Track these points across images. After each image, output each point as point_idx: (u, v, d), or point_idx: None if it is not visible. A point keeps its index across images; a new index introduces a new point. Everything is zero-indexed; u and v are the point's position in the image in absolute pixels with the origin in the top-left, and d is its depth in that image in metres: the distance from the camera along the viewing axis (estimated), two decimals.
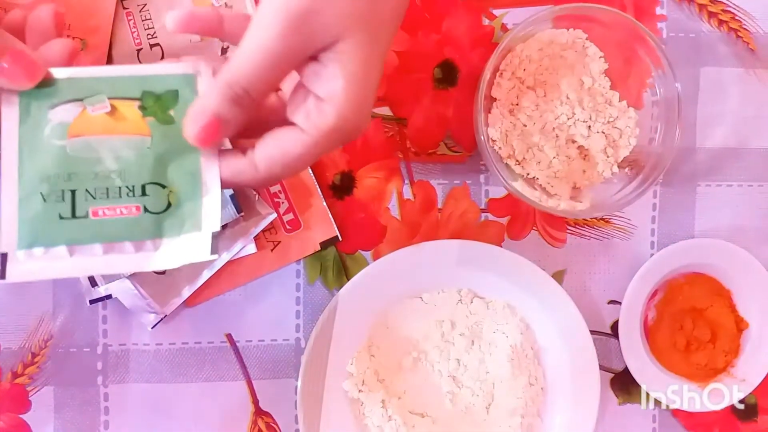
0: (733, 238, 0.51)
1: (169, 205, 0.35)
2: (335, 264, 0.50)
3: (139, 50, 0.47)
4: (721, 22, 0.52)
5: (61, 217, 0.34)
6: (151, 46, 0.47)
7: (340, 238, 0.49)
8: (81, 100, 0.34)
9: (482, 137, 0.46)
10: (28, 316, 0.47)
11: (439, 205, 0.50)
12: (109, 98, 0.35)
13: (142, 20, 0.47)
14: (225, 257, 0.47)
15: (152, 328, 0.48)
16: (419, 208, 0.50)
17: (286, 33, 0.32)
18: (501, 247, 0.50)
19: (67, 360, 0.48)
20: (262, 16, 0.33)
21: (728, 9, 0.51)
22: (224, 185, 0.35)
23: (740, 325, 0.52)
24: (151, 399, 0.49)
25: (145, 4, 0.46)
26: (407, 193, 0.50)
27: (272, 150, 0.34)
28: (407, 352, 0.49)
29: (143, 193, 0.35)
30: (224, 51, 0.47)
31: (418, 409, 0.49)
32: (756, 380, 0.51)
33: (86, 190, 0.34)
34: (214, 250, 0.35)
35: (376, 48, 0.35)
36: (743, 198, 0.52)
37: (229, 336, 0.49)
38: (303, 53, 0.33)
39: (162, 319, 0.48)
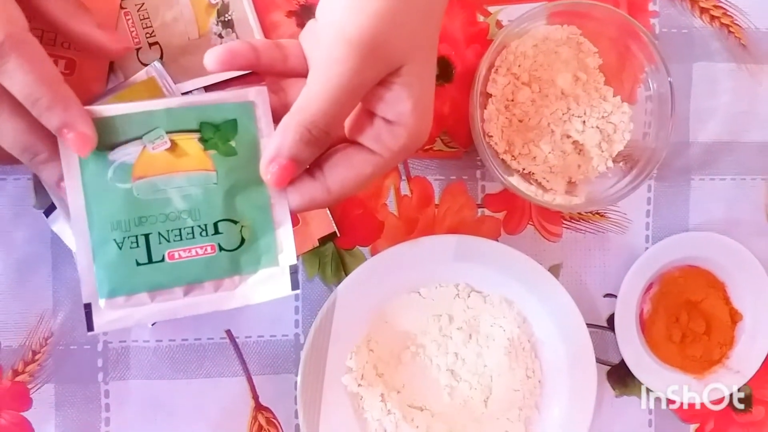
0: (726, 231, 0.52)
1: (243, 240, 0.35)
2: (333, 260, 0.50)
3: (138, 49, 0.47)
4: (713, 17, 0.52)
5: (138, 264, 0.34)
6: (150, 44, 0.47)
7: (338, 234, 0.50)
8: (140, 138, 0.34)
9: (478, 133, 0.46)
10: (28, 314, 0.48)
11: (436, 201, 0.51)
12: (167, 132, 0.34)
13: (141, 19, 0.47)
14: None
15: (152, 324, 0.48)
16: (416, 204, 0.51)
17: (362, 66, 0.32)
18: (497, 241, 0.50)
19: (67, 357, 0.48)
20: (329, 50, 0.33)
21: (720, 5, 0.52)
22: (297, 211, 0.36)
23: (734, 317, 0.52)
24: (152, 395, 0.49)
25: (143, 3, 0.47)
26: (404, 189, 0.50)
27: (345, 173, 0.35)
28: (405, 347, 0.50)
29: (216, 231, 0.35)
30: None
31: (416, 402, 0.49)
32: (750, 371, 0.52)
33: (159, 234, 0.34)
34: (295, 285, 0.35)
35: (432, 63, 0.36)
36: (736, 191, 0.53)
37: (228, 332, 0.50)
38: (374, 82, 0.34)
39: None
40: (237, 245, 0.35)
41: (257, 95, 0.35)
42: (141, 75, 0.46)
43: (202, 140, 0.35)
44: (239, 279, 0.35)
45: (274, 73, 0.37)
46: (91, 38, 0.40)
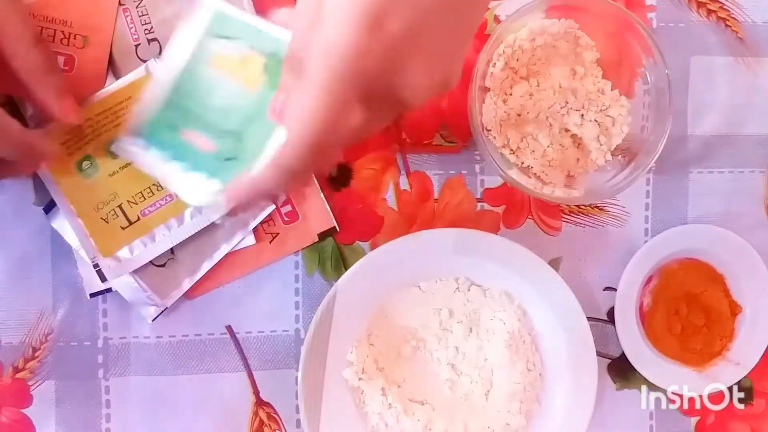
0: (725, 223, 0.52)
1: (232, 159, 0.41)
2: (333, 255, 0.50)
3: (137, 45, 0.47)
4: (709, 11, 0.52)
5: (165, 123, 0.42)
6: (149, 41, 0.47)
7: (337, 229, 0.50)
8: (227, 38, 0.41)
9: (477, 127, 0.46)
10: (28, 310, 0.48)
11: (435, 196, 0.51)
12: (246, 45, 0.41)
13: (139, 15, 0.47)
14: (224, 249, 0.48)
15: (153, 320, 0.48)
16: (415, 198, 0.51)
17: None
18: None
19: (67, 354, 0.48)
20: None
21: None
22: (274, 168, 0.34)
23: (734, 309, 0.52)
24: (152, 391, 0.49)
25: (142, 0, 0.47)
26: (404, 183, 0.51)
27: (293, 113, 0.32)
28: (406, 341, 0.50)
29: (226, 139, 0.41)
30: None
31: (417, 396, 0.49)
32: (751, 363, 0.52)
33: (193, 114, 0.42)
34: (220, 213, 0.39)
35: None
36: (735, 184, 0.53)
37: (229, 328, 0.50)
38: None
39: (162, 311, 0.48)
40: (227, 158, 0.41)
41: None
42: (140, 71, 0.46)
43: (266, 66, 0.40)
44: (208, 182, 0.41)
45: None
46: (46, 108, 0.41)
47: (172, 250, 0.47)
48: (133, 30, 0.47)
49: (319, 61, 0.29)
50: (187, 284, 0.48)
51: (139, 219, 0.45)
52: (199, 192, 0.41)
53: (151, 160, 0.42)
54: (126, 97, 0.46)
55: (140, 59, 0.47)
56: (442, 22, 0.30)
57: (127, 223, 0.45)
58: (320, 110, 0.30)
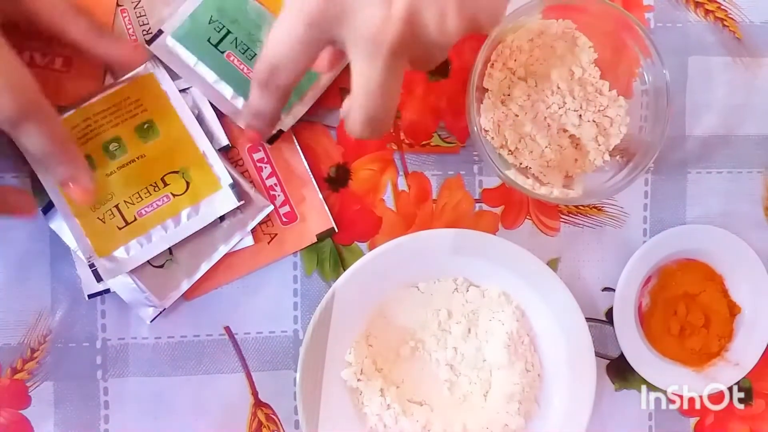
0: (724, 223, 0.52)
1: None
2: (332, 255, 0.50)
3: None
4: (707, 11, 0.52)
5: (209, 41, 0.46)
6: (147, 41, 0.47)
7: (336, 230, 0.50)
8: None
9: (475, 128, 0.46)
10: (26, 311, 0.48)
11: (434, 196, 0.51)
12: None
13: (137, 16, 0.47)
14: (223, 250, 0.48)
15: (151, 321, 0.48)
16: (414, 199, 0.51)
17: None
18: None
19: (66, 355, 0.48)
20: None
21: None
22: (252, 83, 0.41)
23: (733, 309, 0.52)
24: (151, 392, 0.49)
25: (140, 1, 0.47)
26: (402, 184, 0.51)
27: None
28: (405, 342, 0.50)
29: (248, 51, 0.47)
30: None
31: (416, 397, 0.49)
32: (750, 364, 0.52)
33: (235, 40, 0.46)
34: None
35: None
36: (733, 184, 0.53)
37: (227, 329, 0.50)
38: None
39: (161, 312, 0.48)
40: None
41: None
42: (140, 71, 0.46)
43: None
44: (240, 100, 0.47)
45: None
46: (112, 60, 0.45)
47: (170, 250, 0.47)
48: (131, 31, 0.47)
49: (284, 4, 0.38)
50: (185, 285, 0.48)
51: (135, 219, 0.45)
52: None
53: (201, 77, 0.46)
54: (124, 97, 0.46)
55: None
56: None
57: (123, 224, 0.45)
58: (275, 35, 0.38)
